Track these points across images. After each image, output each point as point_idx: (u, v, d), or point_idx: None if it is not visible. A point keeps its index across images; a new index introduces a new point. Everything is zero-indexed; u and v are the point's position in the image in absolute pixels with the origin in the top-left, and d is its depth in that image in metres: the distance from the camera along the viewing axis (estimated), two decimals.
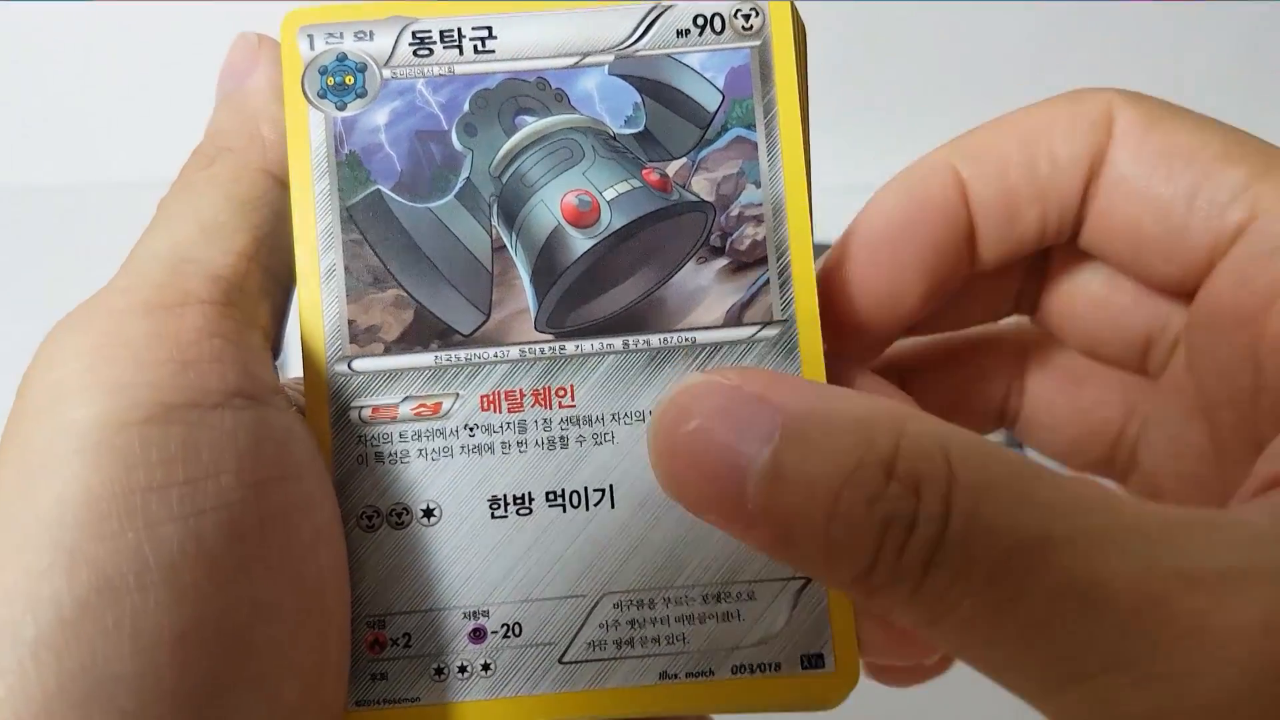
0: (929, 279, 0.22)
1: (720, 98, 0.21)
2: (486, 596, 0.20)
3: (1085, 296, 0.24)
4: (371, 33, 0.20)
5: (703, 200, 0.21)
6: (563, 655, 0.20)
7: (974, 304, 0.25)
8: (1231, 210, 0.20)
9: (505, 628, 0.20)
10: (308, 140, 0.20)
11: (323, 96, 0.20)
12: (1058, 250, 0.24)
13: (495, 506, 0.20)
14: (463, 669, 0.20)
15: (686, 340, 0.21)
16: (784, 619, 0.20)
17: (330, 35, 0.20)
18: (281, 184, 0.21)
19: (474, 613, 0.20)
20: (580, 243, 0.21)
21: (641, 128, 0.21)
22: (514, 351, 0.21)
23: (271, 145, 0.21)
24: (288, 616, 0.18)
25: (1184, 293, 0.21)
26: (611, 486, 0.20)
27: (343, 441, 0.20)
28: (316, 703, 0.19)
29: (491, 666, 0.20)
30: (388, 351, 0.20)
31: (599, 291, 0.21)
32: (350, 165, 0.21)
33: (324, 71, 0.20)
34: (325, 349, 0.20)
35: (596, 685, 0.20)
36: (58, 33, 0.60)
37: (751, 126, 0.21)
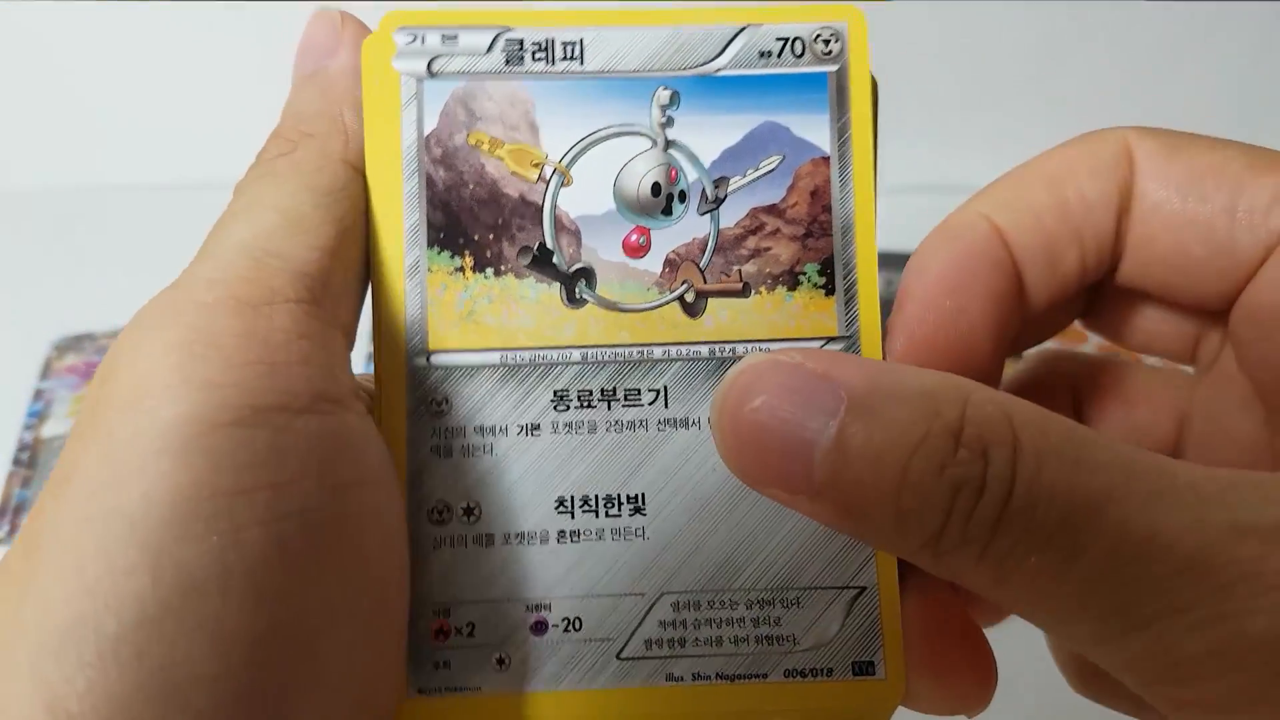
0: (997, 330, 0.21)
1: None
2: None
3: (1132, 310, 0.24)
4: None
5: None
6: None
7: (1027, 331, 0.25)
8: (1274, 214, 0.20)
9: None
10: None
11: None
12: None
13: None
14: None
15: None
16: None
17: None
18: (361, 174, 0.21)
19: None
20: None
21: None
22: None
23: (354, 134, 0.21)
24: (354, 621, 0.18)
25: (1227, 303, 0.22)
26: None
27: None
28: (369, 707, 0.19)
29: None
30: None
31: None
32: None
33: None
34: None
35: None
36: (90, 31, 0.61)
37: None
